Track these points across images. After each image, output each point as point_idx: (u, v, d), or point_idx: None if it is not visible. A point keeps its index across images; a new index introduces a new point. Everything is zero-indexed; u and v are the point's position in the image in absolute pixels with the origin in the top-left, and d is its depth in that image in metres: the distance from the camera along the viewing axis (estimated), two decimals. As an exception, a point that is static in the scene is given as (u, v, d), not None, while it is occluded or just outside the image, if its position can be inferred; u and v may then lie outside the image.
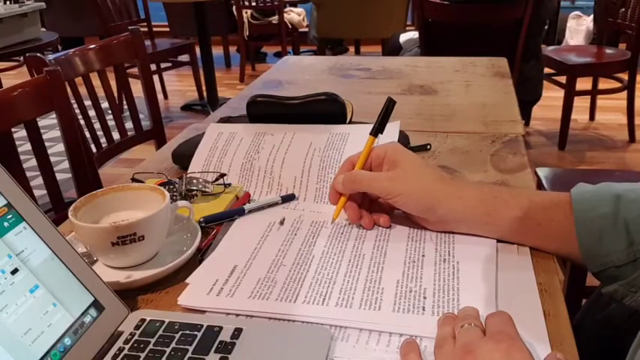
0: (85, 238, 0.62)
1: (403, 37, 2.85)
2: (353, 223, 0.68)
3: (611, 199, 0.57)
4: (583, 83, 2.97)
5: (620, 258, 0.55)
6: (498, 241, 0.63)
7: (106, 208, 0.64)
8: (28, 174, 1.17)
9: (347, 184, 0.66)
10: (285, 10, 4.43)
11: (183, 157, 0.88)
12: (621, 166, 2.74)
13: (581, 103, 3.16)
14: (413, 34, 2.77)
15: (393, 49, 2.88)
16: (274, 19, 4.39)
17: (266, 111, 0.91)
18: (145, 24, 3.81)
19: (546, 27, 2.64)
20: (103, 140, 1.49)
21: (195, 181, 0.77)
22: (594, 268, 0.58)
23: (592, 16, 4.18)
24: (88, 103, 1.40)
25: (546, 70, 2.83)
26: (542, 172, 1.57)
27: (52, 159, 1.25)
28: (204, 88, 3.90)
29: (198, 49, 3.78)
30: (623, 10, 2.93)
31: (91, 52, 1.42)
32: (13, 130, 1.13)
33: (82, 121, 1.37)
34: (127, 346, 0.49)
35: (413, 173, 0.64)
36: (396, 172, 0.64)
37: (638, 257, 0.55)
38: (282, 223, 0.70)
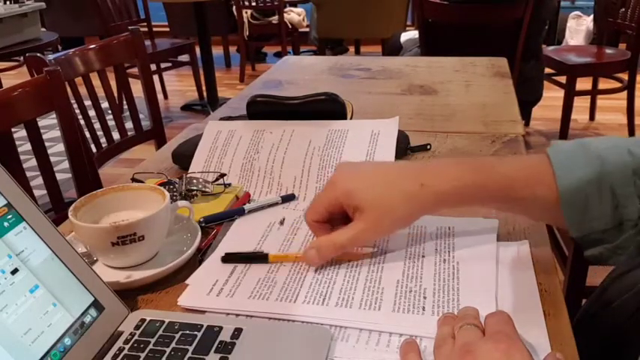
0: (85, 238, 0.62)
1: (404, 37, 2.85)
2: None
3: (593, 163, 0.55)
4: (583, 83, 2.97)
5: (606, 223, 0.54)
6: (498, 240, 0.63)
7: (106, 208, 0.64)
8: (28, 174, 1.17)
9: (325, 253, 0.61)
10: (285, 10, 4.43)
11: (183, 157, 0.88)
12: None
13: (581, 103, 3.16)
14: (413, 34, 2.77)
15: (393, 48, 2.88)
16: (274, 19, 4.39)
17: (266, 111, 0.91)
18: (145, 24, 3.81)
19: (546, 27, 2.64)
20: (103, 140, 1.49)
21: (195, 181, 0.77)
22: (578, 233, 0.56)
23: (592, 16, 4.18)
24: (88, 103, 1.40)
25: (546, 70, 2.83)
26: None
27: (52, 159, 1.25)
28: (204, 88, 3.90)
29: (198, 49, 3.78)
30: (623, 10, 2.93)
31: (91, 52, 1.42)
32: (13, 130, 1.13)
33: (82, 121, 1.37)
34: (127, 346, 0.49)
35: (384, 209, 0.59)
36: (366, 219, 0.59)
37: (623, 221, 0.54)
38: (282, 223, 0.70)
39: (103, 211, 0.64)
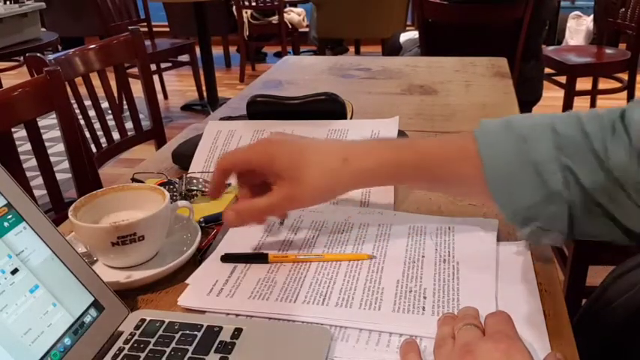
0: (85, 238, 0.62)
1: (403, 37, 2.85)
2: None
3: (517, 141, 0.56)
4: (583, 83, 2.97)
5: (533, 198, 0.55)
6: (498, 240, 0.63)
7: (105, 208, 0.64)
8: (28, 174, 1.17)
9: (243, 216, 0.61)
10: (285, 10, 4.43)
11: (183, 157, 0.88)
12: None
13: (581, 103, 3.16)
14: (413, 34, 2.77)
15: (393, 49, 2.88)
16: (274, 19, 4.39)
17: (266, 111, 0.91)
18: (145, 24, 3.81)
19: (546, 27, 2.64)
20: (103, 140, 1.49)
21: (195, 181, 0.77)
22: (508, 211, 0.57)
23: (592, 16, 4.18)
24: (88, 103, 1.40)
25: (546, 70, 2.83)
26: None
27: (52, 159, 1.25)
28: (204, 88, 3.90)
29: (198, 49, 3.78)
30: (623, 10, 2.93)
31: (91, 52, 1.42)
32: (13, 130, 1.13)
33: (82, 121, 1.37)
34: (127, 346, 0.49)
35: (303, 180, 0.59)
36: (285, 188, 0.59)
37: (549, 195, 0.54)
38: (282, 223, 0.70)
39: (103, 211, 0.64)
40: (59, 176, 1.27)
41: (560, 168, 0.54)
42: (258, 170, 0.61)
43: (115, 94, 1.67)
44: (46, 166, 1.22)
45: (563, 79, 2.89)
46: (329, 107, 0.90)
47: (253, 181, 0.63)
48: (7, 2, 3.63)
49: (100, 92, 1.44)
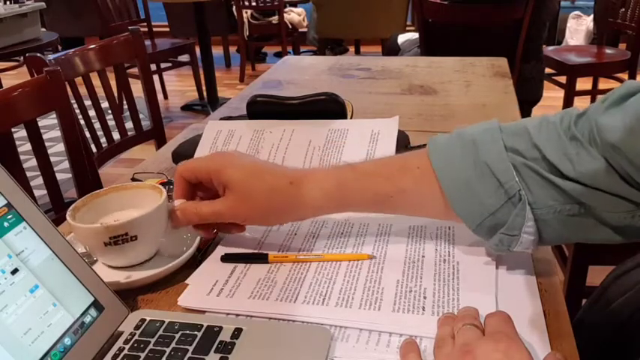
0: (81, 238, 0.62)
1: (401, 39, 2.85)
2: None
3: (468, 147, 0.56)
4: (583, 83, 2.97)
5: (493, 203, 0.54)
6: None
7: (106, 208, 0.64)
8: (28, 174, 1.17)
9: (188, 218, 0.62)
10: (285, 10, 4.43)
11: (183, 157, 0.88)
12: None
13: (581, 103, 3.16)
14: (411, 35, 2.77)
15: (391, 50, 2.88)
16: (274, 19, 4.39)
17: (266, 111, 0.91)
18: (145, 24, 3.81)
19: (546, 28, 2.64)
20: (103, 140, 1.49)
21: (195, 181, 0.77)
22: (472, 222, 0.56)
23: (592, 16, 4.18)
24: (88, 103, 1.40)
25: (546, 70, 2.83)
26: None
27: (52, 159, 1.25)
28: (204, 88, 3.90)
29: (198, 49, 3.78)
30: (623, 10, 2.93)
31: (91, 52, 1.42)
32: (13, 130, 1.13)
33: (82, 121, 1.37)
34: (127, 346, 0.49)
35: (246, 194, 0.60)
36: (229, 199, 0.60)
37: (510, 196, 0.53)
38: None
39: (103, 211, 0.64)
40: (59, 176, 1.27)
41: (514, 167, 0.53)
42: (208, 179, 0.61)
43: (115, 94, 1.67)
44: (46, 166, 1.22)
45: (563, 79, 2.89)
46: (329, 107, 0.90)
47: (208, 194, 0.64)
48: (7, 2, 3.63)
49: (100, 92, 1.44)
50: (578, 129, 0.52)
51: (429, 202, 0.58)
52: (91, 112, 1.41)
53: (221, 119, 0.98)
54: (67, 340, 0.48)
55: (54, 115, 1.21)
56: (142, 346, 0.49)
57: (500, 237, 0.55)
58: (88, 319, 0.50)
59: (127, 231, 0.58)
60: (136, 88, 1.55)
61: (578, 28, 4.45)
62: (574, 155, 0.51)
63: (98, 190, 0.65)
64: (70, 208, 0.61)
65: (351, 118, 0.95)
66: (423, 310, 0.53)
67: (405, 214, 0.62)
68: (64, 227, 0.72)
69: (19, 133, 1.16)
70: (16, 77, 3.98)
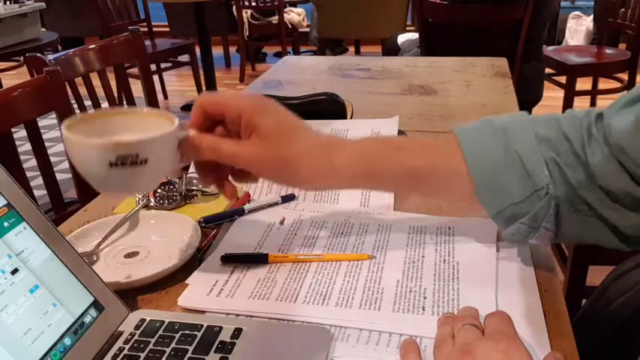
0: (79, 157, 0.51)
1: (401, 39, 2.85)
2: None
3: (499, 134, 0.55)
4: (583, 83, 2.97)
5: (518, 194, 0.53)
6: (498, 240, 0.63)
7: (106, 129, 0.54)
8: (28, 174, 1.17)
9: (203, 152, 0.54)
10: (285, 10, 4.43)
11: (183, 157, 0.88)
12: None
13: (581, 103, 3.16)
14: (411, 36, 2.77)
15: (390, 50, 2.88)
16: (274, 19, 4.39)
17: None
18: (145, 24, 3.81)
19: (547, 28, 2.64)
20: (103, 140, 1.49)
21: (195, 181, 0.77)
22: (493, 209, 0.55)
23: (592, 16, 4.18)
24: (88, 103, 1.40)
25: (546, 70, 2.83)
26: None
27: (52, 159, 1.25)
28: (204, 88, 3.90)
29: (198, 49, 3.78)
30: (623, 10, 2.93)
31: (91, 52, 1.42)
32: (13, 130, 1.13)
33: (82, 121, 1.37)
34: (127, 346, 0.49)
35: (278, 145, 0.54)
36: (257, 144, 0.54)
37: (537, 188, 0.52)
38: (282, 223, 0.70)
39: (103, 132, 0.53)
40: (59, 176, 1.27)
41: (545, 160, 0.53)
42: (236, 118, 0.54)
43: (115, 94, 1.67)
44: (46, 166, 1.22)
45: (563, 79, 2.89)
46: (329, 107, 0.90)
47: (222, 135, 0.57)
48: (7, 2, 3.63)
49: (100, 92, 1.44)
50: (597, 129, 0.52)
51: (456, 182, 0.56)
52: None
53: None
54: (67, 340, 0.48)
55: (54, 115, 1.21)
56: (141, 346, 0.49)
57: (519, 227, 0.54)
58: (88, 319, 0.50)
59: (138, 151, 0.50)
60: (136, 88, 1.55)
61: (578, 28, 4.45)
62: (590, 155, 0.51)
63: (97, 110, 0.57)
64: (65, 122, 0.52)
65: (351, 118, 0.95)
66: (423, 310, 0.53)
67: (429, 193, 0.61)
68: (64, 227, 0.72)
69: (19, 133, 1.16)
70: (16, 77, 3.98)
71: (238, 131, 0.55)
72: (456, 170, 0.55)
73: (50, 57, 1.30)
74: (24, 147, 1.21)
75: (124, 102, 1.58)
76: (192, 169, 0.84)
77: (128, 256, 0.66)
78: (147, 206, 0.75)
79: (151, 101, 1.59)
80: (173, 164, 0.55)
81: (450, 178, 0.57)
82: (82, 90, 1.40)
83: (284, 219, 0.71)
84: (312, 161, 0.55)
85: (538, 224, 0.54)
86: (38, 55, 1.26)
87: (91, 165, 0.51)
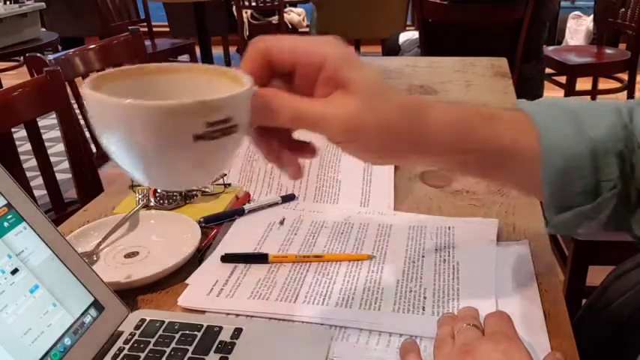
0: (138, 130, 0.35)
1: (402, 38, 2.85)
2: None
3: (571, 118, 0.49)
4: (583, 83, 2.97)
5: (585, 183, 0.48)
6: (498, 240, 0.63)
7: (144, 93, 0.37)
8: (28, 174, 1.17)
9: (279, 110, 0.42)
10: (285, 10, 4.43)
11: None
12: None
13: (581, 103, 3.15)
14: (411, 35, 2.77)
15: (391, 50, 2.88)
16: (274, 19, 4.39)
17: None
18: (145, 24, 3.80)
19: (547, 29, 2.64)
20: (103, 140, 1.49)
21: (195, 181, 0.77)
22: (554, 196, 0.49)
23: (592, 16, 4.18)
24: (88, 103, 1.40)
25: (546, 70, 2.83)
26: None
27: (52, 159, 1.25)
28: (204, 88, 3.90)
29: (198, 49, 3.77)
30: (623, 10, 2.93)
31: (91, 52, 1.42)
32: (13, 130, 1.13)
33: (82, 121, 1.37)
34: (127, 346, 0.49)
35: (376, 100, 0.43)
36: (350, 101, 0.42)
37: (603, 179, 0.47)
38: (282, 223, 0.70)
39: (140, 96, 0.36)
40: (59, 176, 1.27)
41: (615, 151, 0.48)
42: (310, 67, 0.43)
43: (115, 94, 1.67)
44: (46, 166, 1.22)
45: (563, 79, 2.89)
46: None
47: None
48: (7, 2, 3.63)
49: (100, 92, 1.44)
50: (634, 123, 0.49)
51: (528, 164, 0.49)
52: (91, 112, 1.41)
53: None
54: (67, 340, 0.48)
55: (54, 115, 1.21)
56: (142, 346, 0.49)
57: (576, 214, 0.49)
58: (88, 319, 0.50)
59: (229, 115, 0.36)
60: (136, 88, 1.54)
61: (578, 28, 4.45)
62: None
63: (127, 67, 0.41)
64: (88, 82, 0.37)
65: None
66: (423, 310, 0.53)
67: (501, 176, 0.51)
68: (64, 227, 0.72)
69: (19, 133, 1.16)
70: (16, 77, 3.98)
71: (307, 87, 0.43)
72: (532, 152, 0.48)
73: (50, 57, 1.30)
74: (24, 147, 1.21)
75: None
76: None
77: (128, 256, 0.66)
78: (147, 206, 0.75)
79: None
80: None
81: (524, 160, 0.49)
82: (82, 90, 1.40)
83: (284, 219, 0.71)
84: (408, 124, 0.44)
85: (597, 215, 0.49)
86: (38, 55, 1.26)
87: (165, 144, 0.35)
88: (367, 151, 0.46)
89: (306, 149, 0.47)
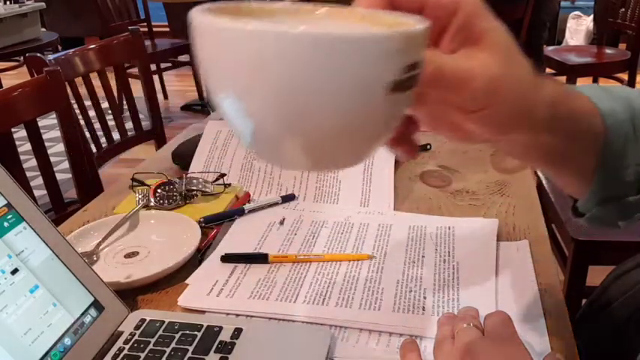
0: (317, 81, 0.26)
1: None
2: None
3: (621, 101, 0.45)
4: (583, 83, 2.97)
5: (637, 171, 0.44)
6: (498, 240, 0.63)
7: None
8: (28, 174, 1.17)
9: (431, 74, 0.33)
10: (285, 10, 4.42)
11: (183, 157, 0.88)
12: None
13: (581, 103, 3.15)
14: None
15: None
16: (274, 19, 4.39)
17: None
18: (145, 24, 3.80)
19: (547, 28, 2.64)
20: (103, 140, 1.49)
21: (195, 181, 0.77)
22: (603, 186, 0.45)
23: (592, 16, 4.18)
24: (88, 103, 1.40)
25: (546, 70, 2.83)
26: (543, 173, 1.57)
27: (52, 159, 1.25)
28: (204, 88, 3.90)
29: (198, 49, 3.77)
30: (623, 10, 2.93)
31: (91, 52, 1.42)
32: (13, 130, 1.13)
33: (82, 121, 1.37)
34: (127, 346, 0.49)
35: (511, 54, 0.37)
36: (492, 56, 0.36)
37: None
38: (282, 223, 0.70)
39: None
40: (59, 176, 1.27)
41: None
42: (447, 17, 0.36)
43: (115, 94, 1.67)
44: (46, 166, 1.22)
45: (563, 79, 2.89)
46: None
47: None
48: (7, 2, 3.63)
49: (100, 92, 1.44)
50: None
51: (592, 145, 0.44)
52: (91, 113, 1.41)
53: (221, 119, 0.98)
54: (67, 340, 0.48)
55: (54, 115, 1.20)
56: (142, 346, 0.49)
57: (619, 206, 0.46)
58: (88, 319, 0.50)
59: (419, 56, 0.29)
60: (136, 88, 1.55)
61: (578, 28, 4.45)
62: None
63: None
64: (202, 9, 0.28)
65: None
66: (423, 310, 0.53)
67: (567, 162, 0.46)
68: (64, 227, 0.72)
69: (19, 133, 1.16)
70: (16, 77, 3.98)
71: (433, 36, 0.36)
72: (597, 133, 0.44)
73: (50, 57, 1.30)
74: (24, 147, 1.21)
75: (124, 102, 1.58)
76: (191, 169, 0.84)
77: (128, 256, 0.66)
78: (147, 206, 0.74)
79: (151, 101, 1.59)
80: None
81: (590, 142, 0.44)
82: (82, 90, 1.40)
83: (284, 219, 0.71)
84: (528, 89, 0.39)
85: (635, 212, 0.46)
86: (38, 55, 1.26)
87: (353, 94, 0.26)
88: (493, 122, 0.39)
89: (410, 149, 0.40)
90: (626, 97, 0.46)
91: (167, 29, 4.84)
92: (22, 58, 3.55)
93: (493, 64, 0.36)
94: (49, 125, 2.30)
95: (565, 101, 0.42)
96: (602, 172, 0.46)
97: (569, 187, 0.49)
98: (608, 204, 0.47)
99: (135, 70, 1.66)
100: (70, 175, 1.26)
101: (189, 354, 0.48)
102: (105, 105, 1.47)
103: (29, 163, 1.23)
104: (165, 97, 4.21)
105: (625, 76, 2.92)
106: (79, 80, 1.39)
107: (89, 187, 1.25)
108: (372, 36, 0.26)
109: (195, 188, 0.77)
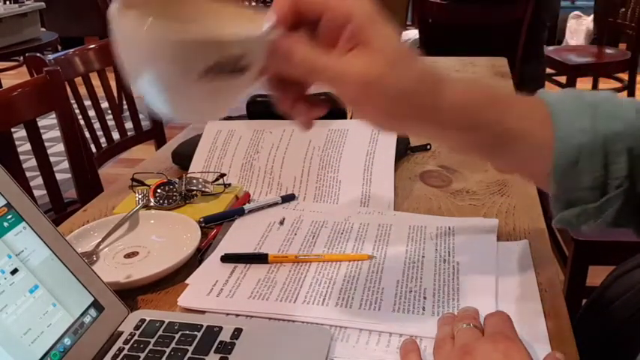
0: (153, 55, 0.38)
1: (402, 38, 2.85)
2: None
3: (589, 111, 0.47)
4: (583, 83, 2.97)
5: (594, 178, 0.46)
6: (498, 240, 0.63)
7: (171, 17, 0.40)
8: (28, 174, 1.17)
9: (297, 59, 0.41)
10: (285, 10, 4.42)
11: (183, 157, 0.88)
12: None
13: (581, 103, 3.15)
14: (413, 34, 2.77)
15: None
16: (274, 19, 4.39)
17: (266, 111, 0.91)
18: (145, 24, 3.80)
19: (547, 28, 2.64)
20: (102, 140, 1.49)
21: (195, 181, 0.77)
22: (561, 190, 0.48)
23: (592, 16, 4.18)
24: (87, 103, 1.40)
25: (547, 70, 2.83)
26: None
27: (52, 159, 1.25)
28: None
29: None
30: (623, 10, 2.93)
31: (91, 52, 1.42)
32: (13, 130, 1.13)
33: (81, 121, 1.37)
34: (127, 346, 0.49)
35: (394, 60, 0.42)
36: (372, 58, 0.41)
37: (610, 178, 0.46)
38: (282, 223, 0.70)
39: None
40: (59, 176, 1.27)
41: (627, 150, 0.47)
42: (339, 20, 0.41)
43: (115, 94, 1.67)
44: (46, 166, 1.22)
45: (563, 79, 2.89)
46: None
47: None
48: (7, 2, 3.63)
49: (100, 92, 1.44)
50: None
51: (539, 155, 0.48)
52: (91, 112, 1.41)
53: (221, 119, 0.98)
54: (67, 340, 0.48)
55: (54, 115, 1.20)
56: (141, 346, 0.49)
57: (580, 212, 0.48)
58: (87, 319, 0.50)
59: (244, 51, 0.37)
60: (136, 88, 1.54)
61: (578, 28, 4.44)
62: None
63: None
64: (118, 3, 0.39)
65: (350, 118, 0.95)
66: (423, 310, 0.53)
67: (509, 161, 0.51)
68: (64, 227, 0.72)
69: (19, 133, 1.16)
70: (16, 77, 3.98)
71: (331, 40, 0.42)
72: (545, 141, 0.47)
73: (50, 57, 1.30)
74: (24, 147, 1.21)
75: (124, 102, 1.58)
76: (191, 169, 0.84)
77: (128, 256, 0.66)
78: (147, 206, 0.74)
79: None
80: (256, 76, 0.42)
81: (534, 149, 0.48)
82: (82, 90, 1.40)
83: (284, 219, 0.71)
84: (423, 95, 0.43)
85: (602, 213, 0.48)
86: (38, 55, 1.27)
87: (174, 70, 0.37)
88: (379, 115, 0.45)
89: (320, 104, 0.46)
90: (594, 103, 0.48)
91: (167, 29, 4.83)
92: (21, 58, 3.55)
93: (372, 67, 0.41)
94: (49, 125, 2.30)
95: (489, 109, 0.46)
96: (556, 176, 0.47)
97: (538, 184, 0.50)
98: (570, 209, 0.49)
99: (135, 70, 1.66)
100: (69, 175, 1.26)
101: (189, 354, 0.48)
102: (105, 105, 1.47)
103: (29, 163, 1.23)
104: (165, 97, 4.20)
105: (625, 76, 2.92)
106: (78, 80, 1.39)
107: (89, 187, 1.25)
108: (181, 39, 0.37)
109: (195, 188, 0.77)
